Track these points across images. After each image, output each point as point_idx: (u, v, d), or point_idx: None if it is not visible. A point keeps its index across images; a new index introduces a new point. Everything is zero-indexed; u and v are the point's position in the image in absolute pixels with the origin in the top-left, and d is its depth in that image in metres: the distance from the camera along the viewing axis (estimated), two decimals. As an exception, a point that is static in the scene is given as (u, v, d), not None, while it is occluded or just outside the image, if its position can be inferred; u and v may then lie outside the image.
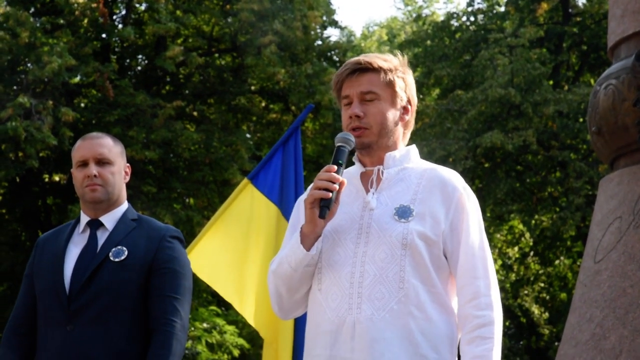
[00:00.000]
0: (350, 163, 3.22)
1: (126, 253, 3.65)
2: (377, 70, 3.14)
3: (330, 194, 3.03)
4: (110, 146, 3.77)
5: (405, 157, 3.19)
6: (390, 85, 3.15)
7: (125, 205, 3.81)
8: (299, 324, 5.58)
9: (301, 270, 3.11)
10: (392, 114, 3.16)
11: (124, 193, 3.82)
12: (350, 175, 3.19)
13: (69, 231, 3.78)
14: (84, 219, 3.78)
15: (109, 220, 3.75)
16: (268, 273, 3.22)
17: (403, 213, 3.07)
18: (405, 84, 3.19)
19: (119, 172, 3.78)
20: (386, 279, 3.03)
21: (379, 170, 3.16)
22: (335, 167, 3.06)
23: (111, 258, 3.65)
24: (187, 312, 3.68)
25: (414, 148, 3.24)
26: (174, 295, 3.63)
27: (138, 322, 3.62)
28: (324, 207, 3.03)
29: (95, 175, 3.70)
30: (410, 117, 3.23)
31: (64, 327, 3.59)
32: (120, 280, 3.61)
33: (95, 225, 3.75)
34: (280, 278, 3.15)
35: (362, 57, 3.17)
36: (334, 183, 3.04)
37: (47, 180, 19.76)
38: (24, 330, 3.74)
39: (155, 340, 3.58)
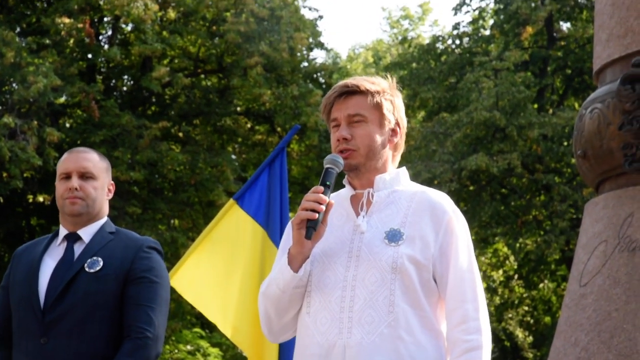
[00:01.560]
0: (340, 187, 3.22)
1: (101, 264, 3.61)
2: (364, 92, 3.15)
3: (317, 215, 3.02)
4: (95, 161, 3.75)
5: (395, 179, 3.19)
6: (378, 107, 3.16)
7: (104, 219, 3.79)
8: (284, 345, 5.56)
9: (289, 292, 3.10)
10: (380, 136, 3.16)
11: (105, 209, 3.79)
12: (340, 199, 3.19)
13: (46, 243, 3.75)
14: (62, 232, 3.75)
15: (87, 233, 3.72)
16: (259, 295, 3.21)
17: (393, 237, 3.07)
18: (394, 106, 3.20)
19: (102, 188, 3.75)
20: (376, 303, 3.02)
21: (369, 193, 3.16)
22: (323, 188, 3.06)
23: (86, 269, 3.61)
24: (163, 322, 3.62)
25: (403, 170, 3.24)
26: (149, 304, 3.59)
27: (114, 333, 3.58)
28: (310, 227, 3.03)
29: (76, 189, 3.67)
30: (400, 139, 3.23)
31: (38, 340, 3.55)
32: (95, 291, 3.57)
33: (72, 238, 3.72)
34: (269, 300, 3.14)
35: (349, 80, 3.18)
36: (321, 204, 3.03)
37: (31, 200, 19.68)
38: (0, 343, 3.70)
39: (124, 347, 3.53)
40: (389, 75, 3.27)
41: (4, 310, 3.72)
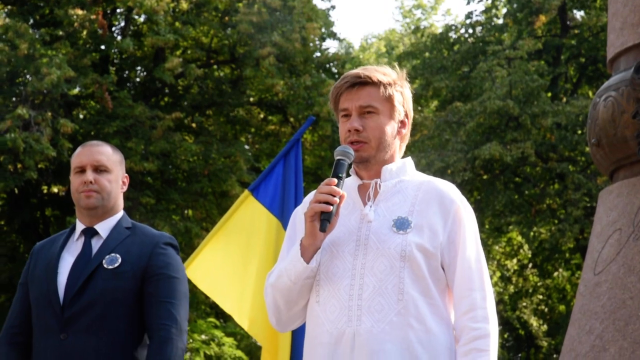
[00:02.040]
0: (346, 175, 3.23)
1: (120, 260, 3.64)
2: (376, 84, 3.15)
3: (331, 207, 3.03)
4: (109, 154, 3.77)
5: (401, 169, 3.20)
6: (389, 99, 3.16)
7: (120, 213, 3.80)
8: (297, 333, 5.59)
9: (300, 283, 3.11)
10: (391, 128, 3.16)
11: (120, 202, 3.81)
12: (347, 188, 3.19)
13: (64, 239, 3.77)
14: (79, 226, 3.77)
15: (104, 228, 3.74)
16: (265, 286, 3.21)
17: (401, 225, 3.08)
18: (404, 97, 3.20)
19: (116, 181, 3.77)
20: (385, 290, 3.03)
21: (376, 183, 3.17)
22: (336, 181, 3.07)
23: (105, 265, 3.63)
24: (185, 316, 3.65)
25: (409, 160, 3.25)
26: (170, 300, 3.61)
27: (132, 329, 3.61)
28: (325, 220, 3.03)
29: (91, 182, 3.69)
30: (407, 131, 3.24)
31: (57, 336, 3.58)
32: (113, 288, 3.60)
33: (89, 233, 3.74)
34: (279, 291, 3.15)
35: (361, 71, 3.17)
36: (335, 196, 3.04)
37: (45, 191, 19.76)
38: (19, 339, 3.73)
39: (151, 347, 3.56)
40: (397, 66, 3.27)
41: (24, 306, 3.75)
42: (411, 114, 3.23)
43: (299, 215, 3.23)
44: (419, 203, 3.11)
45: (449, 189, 3.16)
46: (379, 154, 3.15)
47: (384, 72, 3.18)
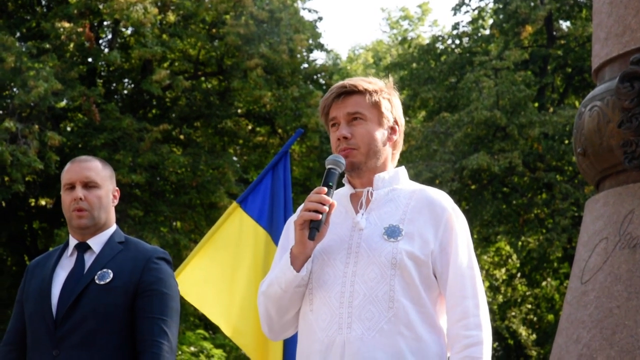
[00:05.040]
0: (339, 185, 3.24)
1: (111, 276, 3.64)
2: (362, 92, 3.18)
3: (320, 216, 3.04)
4: (98, 169, 3.76)
5: (394, 178, 3.22)
6: (376, 106, 3.18)
7: (113, 227, 3.81)
8: (288, 347, 5.58)
9: (291, 291, 3.12)
10: (380, 134, 3.18)
11: (112, 216, 3.81)
12: (340, 197, 3.21)
13: (58, 255, 3.78)
14: (72, 242, 3.77)
15: (96, 243, 3.74)
16: (258, 294, 3.22)
17: (392, 233, 3.09)
18: (392, 105, 3.22)
19: (107, 196, 3.76)
20: (376, 298, 3.04)
21: (368, 191, 3.18)
22: (326, 189, 3.08)
23: (96, 281, 3.63)
24: (175, 333, 3.65)
25: (402, 169, 3.27)
26: (161, 316, 3.61)
27: (124, 345, 3.60)
28: (314, 228, 3.05)
29: (81, 199, 3.69)
30: (398, 138, 3.25)
31: (50, 352, 3.58)
32: (105, 304, 3.60)
33: (82, 248, 3.74)
34: (270, 299, 3.16)
35: (347, 81, 3.21)
36: (324, 205, 3.06)
37: (33, 204, 19.71)
38: (14, 356, 3.73)
39: None
40: (386, 76, 3.30)
41: (18, 323, 3.76)
42: (402, 121, 3.25)
43: (291, 224, 3.24)
44: (410, 211, 3.13)
45: (441, 197, 3.17)
46: (369, 160, 3.17)
47: (369, 81, 3.21)
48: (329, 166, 3.13)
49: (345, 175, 3.24)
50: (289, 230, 3.24)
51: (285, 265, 3.11)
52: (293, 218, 3.23)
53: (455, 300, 3.07)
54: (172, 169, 18.48)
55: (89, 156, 3.87)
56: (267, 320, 3.21)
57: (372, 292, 3.04)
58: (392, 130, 3.22)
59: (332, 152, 3.20)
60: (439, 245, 3.10)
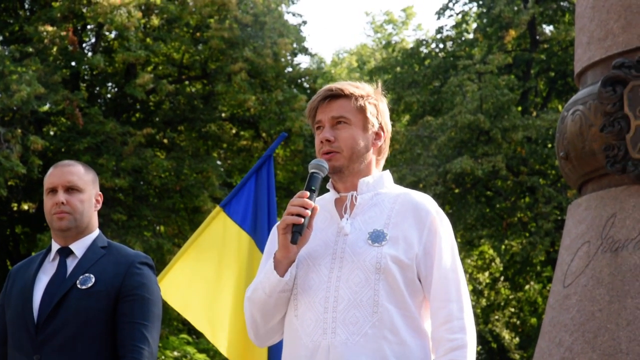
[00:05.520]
0: (324, 190, 3.24)
1: (93, 280, 3.63)
2: (348, 96, 3.18)
3: (303, 220, 3.04)
4: (80, 174, 3.75)
5: (378, 182, 3.22)
6: (362, 110, 3.18)
7: (96, 232, 3.80)
8: (273, 353, 5.57)
9: (275, 296, 3.12)
10: (364, 139, 3.18)
11: (94, 221, 3.80)
12: (324, 202, 3.21)
13: (40, 260, 3.77)
14: (55, 246, 3.76)
15: (79, 247, 3.73)
16: (244, 300, 3.22)
17: (376, 237, 3.09)
18: (378, 110, 3.22)
19: (89, 200, 3.75)
20: (360, 303, 3.04)
21: (352, 196, 3.19)
22: (308, 193, 3.08)
23: (78, 286, 3.62)
24: (156, 339, 3.64)
25: (387, 174, 3.27)
26: (143, 321, 3.61)
27: (105, 350, 3.59)
28: (296, 232, 3.04)
29: (63, 203, 3.68)
30: (384, 144, 3.25)
31: (31, 357, 3.56)
32: (87, 308, 3.59)
33: (65, 253, 3.73)
34: (255, 304, 3.16)
35: (334, 85, 3.21)
36: (307, 209, 3.06)
37: (15, 209, 19.61)
38: (3, 350, 3.71)
39: None
40: (375, 81, 3.30)
41: (1, 328, 3.74)
42: (388, 127, 3.25)
43: (276, 229, 3.24)
44: (394, 215, 3.13)
45: (425, 201, 3.17)
46: (352, 164, 3.17)
47: (356, 86, 3.21)
48: (312, 170, 3.14)
49: (330, 181, 3.24)
50: (275, 236, 3.24)
51: (269, 270, 3.11)
52: (278, 224, 3.23)
53: (440, 304, 3.07)
54: (155, 173, 18.43)
55: (72, 160, 3.87)
56: (253, 326, 3.21)
57: (356, 297, 3.04)
58: (377, 135, 3.22)
59: (316, 155, 3.20)
60: (423, 248, 3.10)
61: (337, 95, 3.18)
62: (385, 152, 3.28)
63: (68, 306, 3.59)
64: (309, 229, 3.07)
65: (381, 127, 3.23)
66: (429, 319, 3.13)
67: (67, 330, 3.56)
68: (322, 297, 3.07)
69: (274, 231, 3.26)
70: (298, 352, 3.08)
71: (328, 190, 3.26)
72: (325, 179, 3.20)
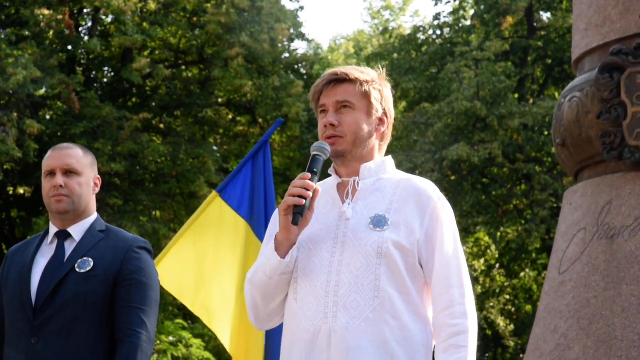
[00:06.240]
0: (325, 175, 3.24)
1: (92, 264, 3.62)
2: (353, 81, 3.18)
3: (304, 201, 3.04)
4: (79, 157, 3.74)
5: (380, 167, 3.22)
6: (366, 96, 3.18)
7: (94, 216, 3.79)
8: (270, 337, 5.57)
9: (276, 279, 3.12)
10: (367, 124, 3.19)
11: (92, 204, 3.80)
12: (326, 187, 3.21)
13: (38, 242, 3.76)
14: (53, 229, 3.76)
15: (77, 231, 3.72)
16: (245, 283, 3.22)
17: (378, 222, 3.09)
18: (382, 96, 3.23)
19: (87, 184, 3.75)
20: (361, 287, 3.04)
21: (354, 181, 3.19)
22: (310, 175, 3.08)
23: (77, 269, 3.62)
24: (154, 323, 3.65)
25: (389, 159, 3.27)
26: (140, 306, 3.61)
27: (104, 334, 3.59)
28: (297, 213, 3.04)
29: (61, 186, 3.68)
30: (387, 129, 3.26)
31: (28, 340, 3.56)
32: (85, 292, 3.58)
33: (63, 236, 3.73)
34: (256, 287, 3.16)
35: (339, 69, 3.21)
36: (308, 190, 3.05)
37: (11, 192, 19.59)
38: None
39: (120, 351, 3.55)
40: (379, 67, 3.30)
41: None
42: (391, 113, 3.26)
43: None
44: (396, 201, 3.13)
45: (427, 186, 3.18)
46: (355, 149, 3.17)
47: (361, 71, 3.22)
48: (314, 152, 3.14)
49: (332, 165, 3.24)
50: (276, 219, 3.24)
51: (270, 252, 3.11)
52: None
53: (441, 289, 3.08)
54: (152, 158, 18.41)
55: (70, 143, 3.86)
56: (254, 309, 3.21)
57: (357, 281, 3.05)
58: (381, 121, 3.23)
59: (319, 139, 3.20)
60: (425, 234, 3.10)
61: (342, 80, 3.18)
62: (388, 138, 3.29)
63: (66, 290, 3.59)
64: (310, 210, 3.07)
65: (385, 113, 3.24)
66: (430, 305, 3.13)
67: (65, 313, 3.56)
68: (323, 281, 3.07)
69: (276, 214, 3.26)
70: (298, 335, 3.09)
71: (330, 175, 3.26)
72: (327, 164, 3.20)
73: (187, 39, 20.03)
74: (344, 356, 3.01)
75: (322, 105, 3.19)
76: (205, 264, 5.87)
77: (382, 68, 3.28)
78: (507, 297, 25.13)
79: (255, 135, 20.26)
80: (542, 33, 22.01)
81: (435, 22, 22.96)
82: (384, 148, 3.28)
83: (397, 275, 3.06)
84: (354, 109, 3.16)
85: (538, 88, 22.65)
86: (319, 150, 3.13)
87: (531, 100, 21.08)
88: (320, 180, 3.17)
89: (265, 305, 3.18)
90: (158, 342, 15.86)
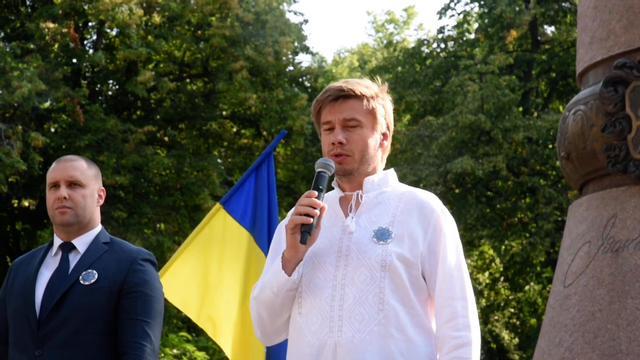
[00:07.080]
0: (329, 188, 3.24)
1: (96, 276, 3.62)
2: (359, 97, 3.16)
3: (312, 219, 3.04)
4: (83, 169, 3.75)
5: (383, 181, 3.22)
6: (372, 112, 3.18)
7: (98, 228, 3.79)
8: (272, 350, 5.57)
9: (283, 295, 3.12)
10: (373, 141, 3.19)
11: (96, 216, 3.80)
12: (329, 200, 3.21)
13: (42, 254, 3.76)
14: (57, 241, 3.75)
15: (81, 243, 3.72)
16: (250, 299, 3.22)
17: (382, 235, 3.10)
18: (385, 110, 3.23)
19: (91, 196, 3.75)
20: (366, 301, 3.05)
21: (358, 194, 3.19)
22: (316, 193, 3.08)
23: (81, 281, 3.61)
24: (158, 336, 3.64)
25: (392, 172, 3.28)
26: (145, 318, 3.60)
27: (108, 346, 3.59)
28: (305, 232, 3.04)
29: (65, 198, 3.67)
30: (388, 143, 3.27)
31: (32, 352, 3.56)
32: (89, 304, 3.58)
33: (67, 248, 3.72)
34: (263, 304, 3.16)
35: (344, 84, 3.19)
36: (315, 208, 3.05)
37: (16, 205, 19.62)
38: (2, 349, 3.71)
39: None
40: (378, 78, 3.30)
41: (3, 322, 3.73)
42: (392, 126, 3.26)
43: (282, 228, 3.24)
44: (400, 213, 3.13)
45: (430, 199, 3.18)
46: (362, 166, 3.17)
47: (366, 85, 3.20)
48: (319, 169, 3.13)
49: (335, 179, 3.24)
50: (281, 235, 3.24)
51: (277, 270, 3.11)
52: (284, 222, 3.22)
53: (444, 302, 3.08)
54: (156, 170, 18.43)
55: (74, 155, 3.85)
56: (260, 325, 3.21)
57: (362, 295, 3.05)
58: (384, 135, 3.23)
59: (323, 155, 3.19)
60: (428, 246, 3.11)
61: (348, 96, 3.16)
62: (388, 150, 3.29)
63: (70, 302, 3.58)
64: (317, 228, 3.07)
65: (387, 127, 3.24)
66: (434, 317, 3.13)
67: (69, 325, 3.56)
68: (328, 295, 3.07)
69: (280, 230, 3.25)
70: (303, 350, 3.09)
71: (332, 188, 3.26)
72: (331, 177, 3.20)
73: (192, 52, 20.08)
74: (349, 370, 3.00)
75: (328, 122, 3.17)
76: (209, 276, 5.88)
77: (385, 84, 3.28)
78: (512, 310, 25.07)
79: (259, 148, 20.28)
80: (546, 46, 22.04)
81: (440, 36, 23.01)
82: (385, 160, 3.28)
83: (401, 288, 3.06)
84: (361, 127, 3.16)
85: (542, 101, 22.66)
86: (323, 167, 3.13)
87: (535, 114, 21.09)
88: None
89: (272, 322, 3.18)
90: (162, 355, 15.84)
